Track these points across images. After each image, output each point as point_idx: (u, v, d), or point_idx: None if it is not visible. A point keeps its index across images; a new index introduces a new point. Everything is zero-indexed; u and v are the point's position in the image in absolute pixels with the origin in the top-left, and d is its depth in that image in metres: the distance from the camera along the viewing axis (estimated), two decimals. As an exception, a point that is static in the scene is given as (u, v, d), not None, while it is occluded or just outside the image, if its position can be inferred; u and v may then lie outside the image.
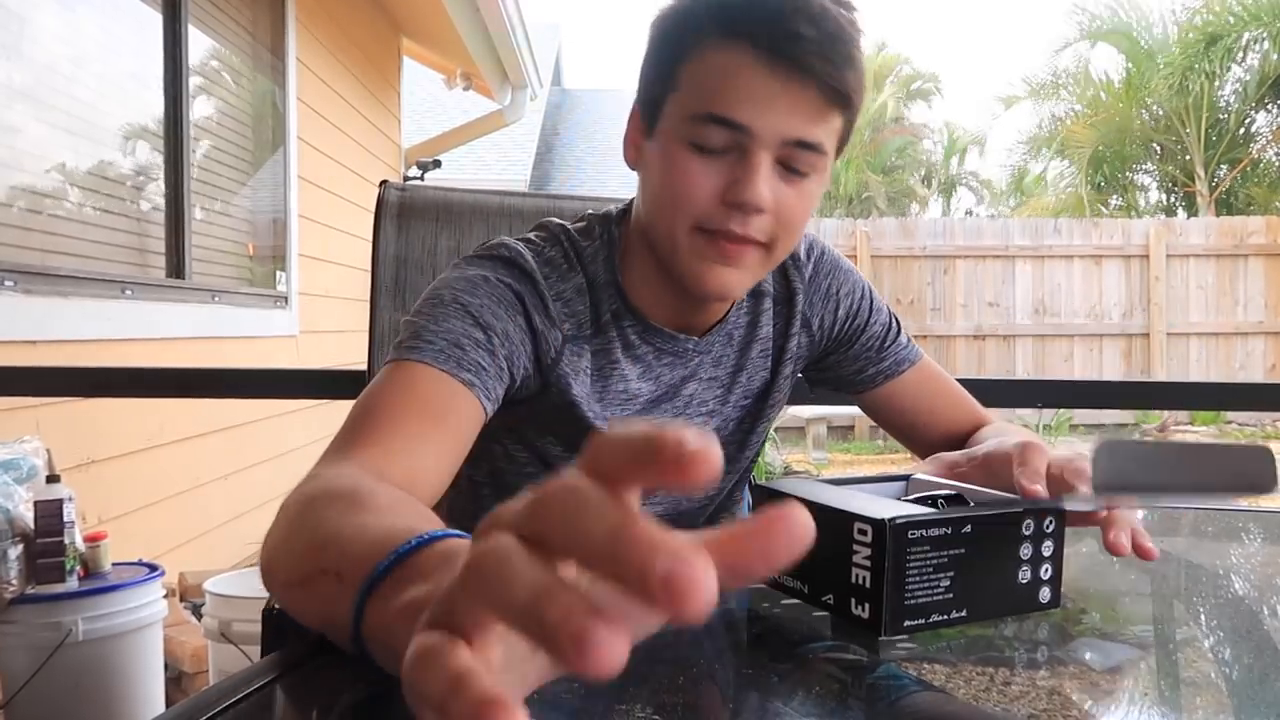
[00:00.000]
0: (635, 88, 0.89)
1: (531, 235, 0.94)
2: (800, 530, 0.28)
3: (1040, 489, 0.70)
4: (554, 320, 0.89)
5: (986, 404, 1.10)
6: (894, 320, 1.08)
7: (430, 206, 1.30)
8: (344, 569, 0.48)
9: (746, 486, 1.15)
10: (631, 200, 0.97)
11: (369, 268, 1.31)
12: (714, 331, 0.97)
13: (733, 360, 1.00)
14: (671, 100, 0.83)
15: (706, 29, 0.80)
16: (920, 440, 1.06)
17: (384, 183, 1.31)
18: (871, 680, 0.56)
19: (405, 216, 1.29)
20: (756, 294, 1.00)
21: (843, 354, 1.06)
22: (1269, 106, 13.17)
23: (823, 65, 0.77)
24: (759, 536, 0.28)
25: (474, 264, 0.89)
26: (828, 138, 0.82)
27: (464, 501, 1.02)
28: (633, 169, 0.91)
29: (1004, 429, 1.00)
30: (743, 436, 1.04)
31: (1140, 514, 0.74)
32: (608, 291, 0.92)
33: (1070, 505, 0.67)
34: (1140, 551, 0.70)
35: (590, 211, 0.98)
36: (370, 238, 1.30)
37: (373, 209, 1.30)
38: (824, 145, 0.82)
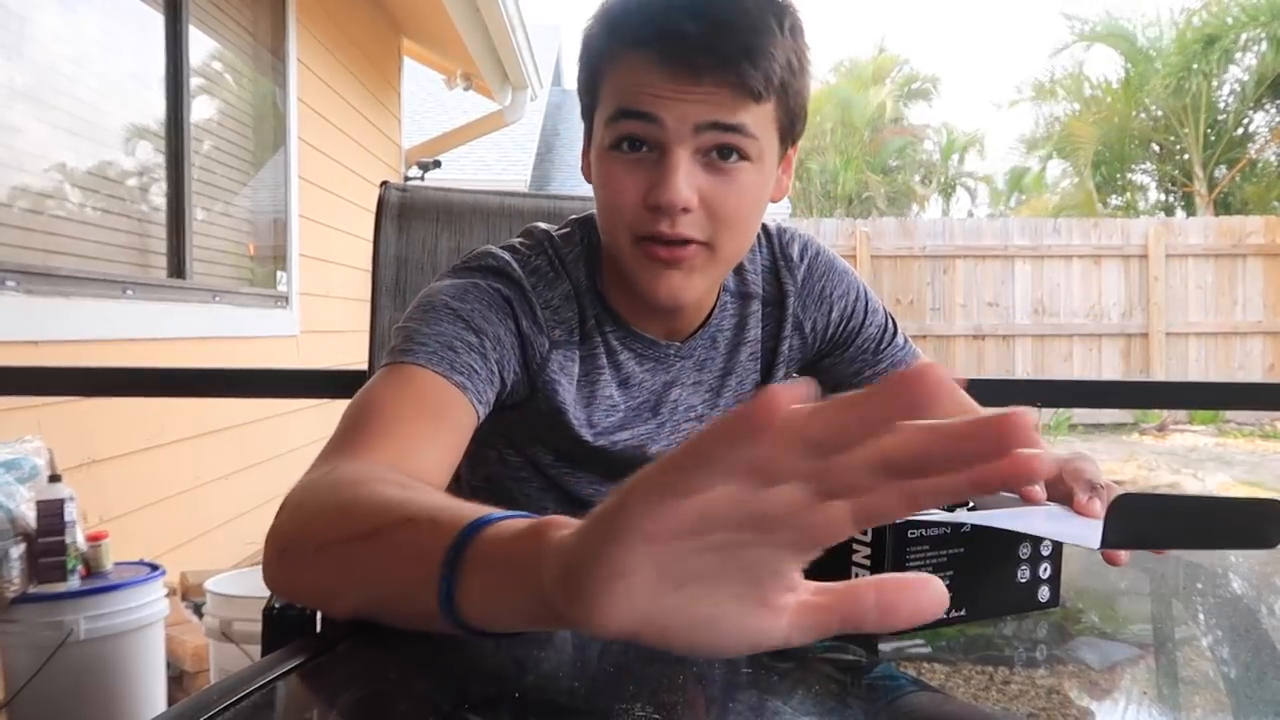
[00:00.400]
0: None
1: (517, 243, 0.94)
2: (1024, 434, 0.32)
3: (1039, 491, 0.70)
4: (542, 327, 0.89)
5: (987, 404, 1.10)
6: (891, 322, 1.07)
7: (431, 207, 1.30)
8: (438, 515, 0.50)
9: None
10: None
11: (369, 268, 1.31)
12: (696, 335, 0.96)
13: (719, 364, 0.99)
14: (597, 114, 0.85)
15: (610, 45, 0.82)
16: None
17: (385, 183, 1.31)
18: (870, 680, 0.56)
19: (406, 217, 1.29)
20: (744, 296, 0.99)
21: (838, 356, 1.05)
22: (1267, 106, 13.17)
23: (712, 59, 0.77)
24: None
25: (461, 273, 0.89)
26: (753, 121, 0.80)
27: None
28: (589, 183, 0.91)
29: None
30: None
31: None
32: (589, 298, 0.92)
33: (1058, 534, 0.67)
34: (1109, 559, 0.69)
35: (574, 216, 0.98)
36: (371, 238, 1.30)
37: (373, 209, 1.30)
38: (747, 126, 0.79)
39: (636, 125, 0.80)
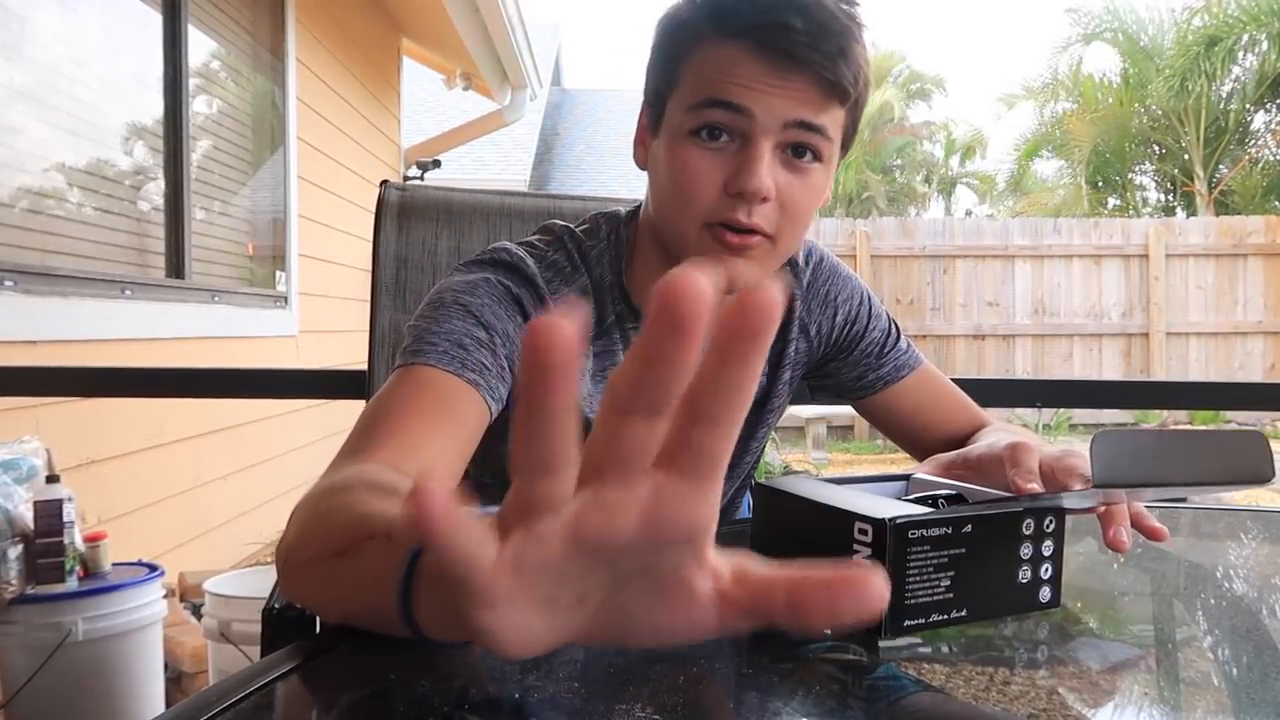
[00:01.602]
0: (642, 89, 0.90)
1: (534, 239, 0.94)
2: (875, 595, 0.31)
3: (1036, 486, 0.70)
4: None
5: (986, 404, 1.10)
6: (894, 326, 1.07)
7: (431, 206, 1.30)
8: (394, 531, 0.50)
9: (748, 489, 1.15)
10: (641, 202, 0.97)
11: (369, 268, 1.31)
12: None
13: None
14: (674, 98, 0.84)
15: (703, 28, 0.82)
16: (921, 445, 1.06)
17: (385, 183, 1.31)
18: (871, 680, 0.56)
19: (406, 216, 1.29)
20: None
21: (842, 360, 1.06)
22: (1268, 106, 13.18)
23: (813, 55, 0.78)
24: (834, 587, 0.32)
25: (474, 268, 0.89)
26: (830, 125, 0.82)
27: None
28: (642, 169, 0.91)
29: (1001, 430, 1.00)
30: (742, 442, 1.04)
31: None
32: (612, 294, 0.92)
33: (1069, 502, 0.67)
34: (1148, 533, 0.70)
35: (597, 212, 0.98)
36: (370, 238, 1.30)
37: (373, 209, 1.30)
38: (827, 129, 0.82)
39: (723, 115, 0.80)
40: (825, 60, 0.79)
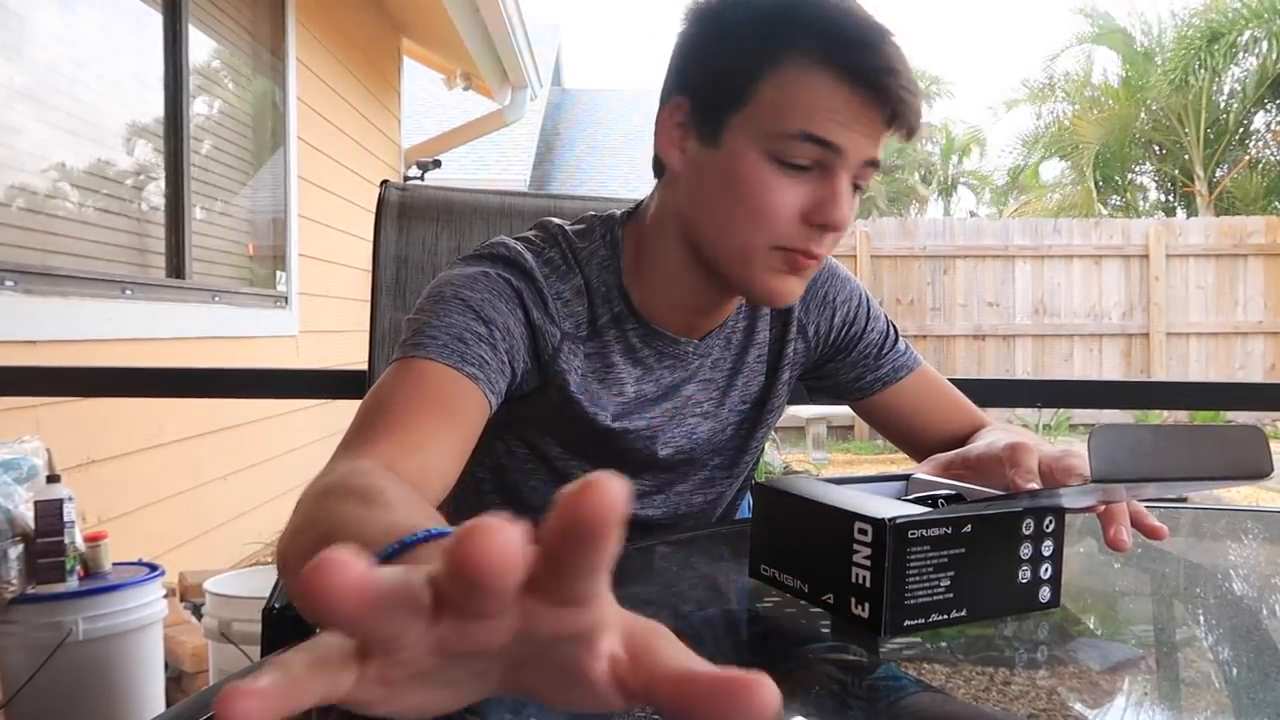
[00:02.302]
0: (672, 83, 0.86)
1: (530, 235, 0.94)
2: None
3: (1035, 485, 0.70)
4: (553, 317, 0.89)
5: (986, 404, 1.10)
6: (892, 327, 1.08)
7: (431, 206, 1.30)
8: (362, 542, 0.49)
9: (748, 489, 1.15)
10: (639, 203, 0.96)
11: (369, 268, 1.31)
12: (713, 335, 0.97)
13: (729, 364, 1.00)
14: (748, 112, 0.81)
15: (794, 46, 0.79)
16: (919, 446, 1.06)
17: (385, 183, 1.31)
18: (872, 681, 0.56)
19: (406, 216, 1.29)
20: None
21: (840, 361, 1.06)
22: (1268, 106, 13.17)
23: (905, 95, 0.79)
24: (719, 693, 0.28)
25: (473, 262, 0.89)
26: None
27: (467, 496, 1.03)
28: (663, 169, 0.89)
29: (1000, 430, 1.00)
30: (741, 441, 1.04)
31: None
32: (608, 294, 0.92)
33: (1068, 500, 0.67)
34: (1148, 532, 0.70)
35: (591, 213, 0.97)
36: (370, 237, 1.30)
37: (373, 209, 1.30)
38: (880, 162, 0.84)
39: (818, 152, 0.80)
40: (903, 102, 0.79)
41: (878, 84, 0.78)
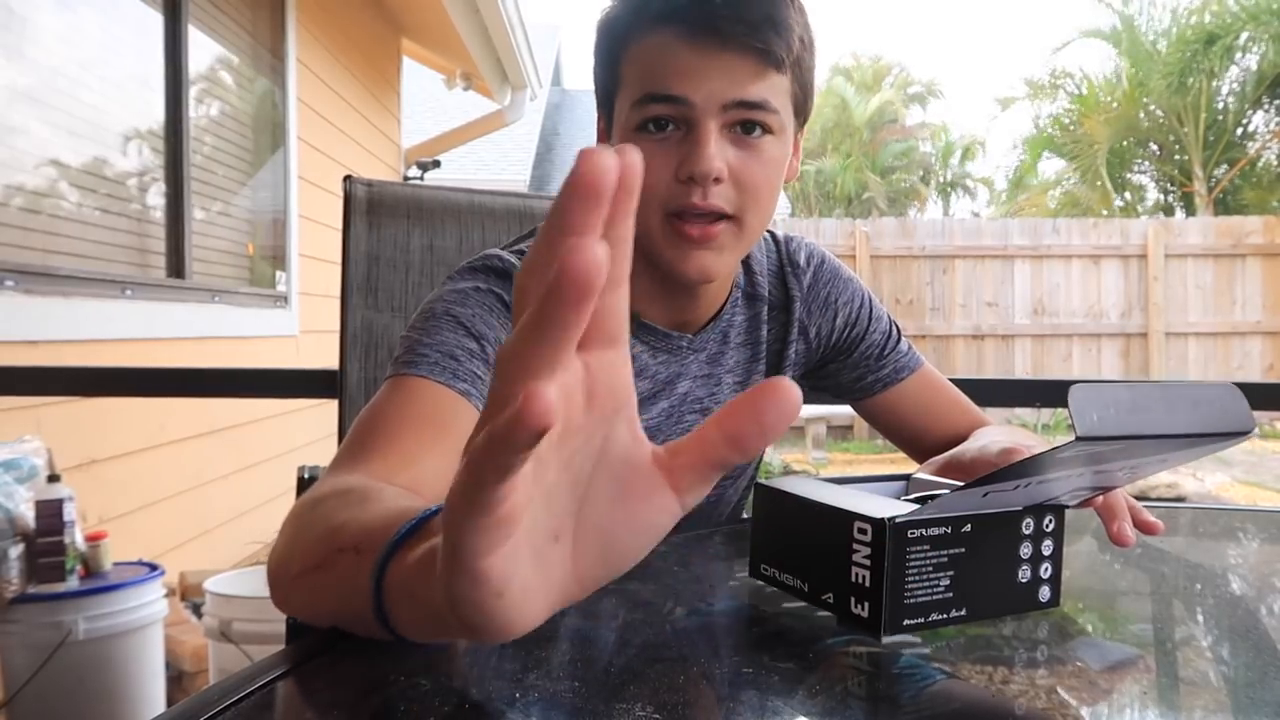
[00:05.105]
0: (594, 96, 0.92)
1: (525, 246, 0.94)
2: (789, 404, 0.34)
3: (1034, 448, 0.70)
4: None
5: (985, 404, 1.10)
6: (894, 328, 1.07)
7: (400, 203, 1.28)
8: (362, 543, 0.50)
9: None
10: None
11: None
12: (708, 329, 0.97)
13: (728, 360, 1.00)
14: (619, 97, 0.86)
15: (633, 23, 0.84)
16: (920, 447, 1.06)
17: (348, 178, 1.28)
18: (896, 670, 0.56)
19: (375, 213, 1.27)
20: (753, 298, 1.00)
21: (842, 362, 1.06)
22: (1267, 106, 13.17)
23: (738, 28, 0.79)
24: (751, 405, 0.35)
25: (466, 276, 0.89)
26: (774, 95, 0.83)
27: None
28: None
29: (996, 430, 1.00)
30: None
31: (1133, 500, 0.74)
32: None
33: (1062, 486, 0.67)
34: (1144, 527, 0.71)
35: None
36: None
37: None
38: (770, 102, 0.82)
39: (664, 107, 0.81)
40: (751, 31, 0.79)
41: (711, 26, 0.79)
